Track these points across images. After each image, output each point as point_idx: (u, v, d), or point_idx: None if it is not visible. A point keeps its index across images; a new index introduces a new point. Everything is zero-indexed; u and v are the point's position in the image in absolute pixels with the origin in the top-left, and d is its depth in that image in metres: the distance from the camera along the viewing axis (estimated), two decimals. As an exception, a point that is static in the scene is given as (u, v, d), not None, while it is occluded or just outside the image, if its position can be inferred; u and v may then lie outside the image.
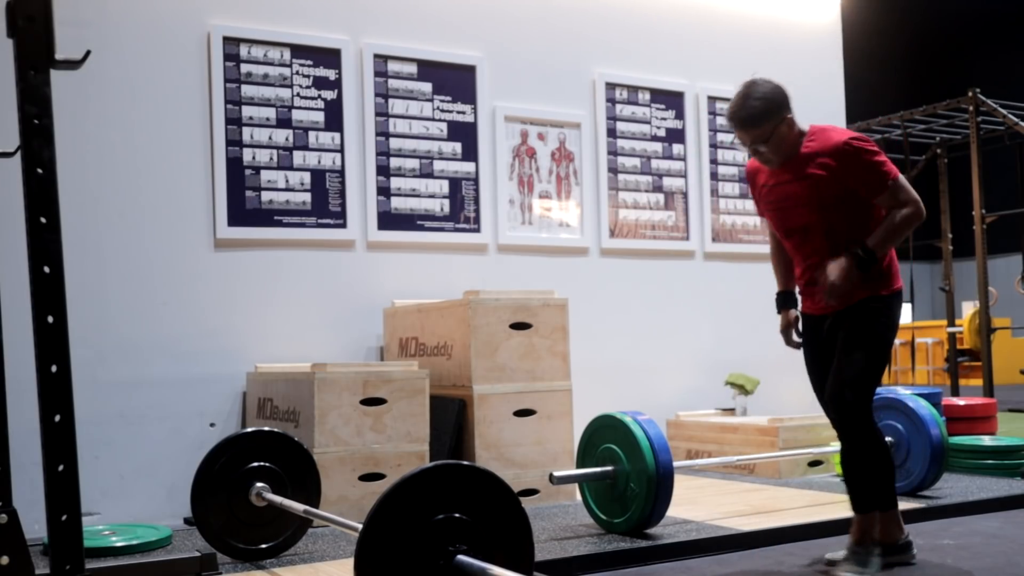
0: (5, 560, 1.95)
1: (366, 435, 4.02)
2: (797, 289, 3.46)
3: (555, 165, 5.47)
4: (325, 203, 4.80)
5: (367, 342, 4.89)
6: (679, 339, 5.76)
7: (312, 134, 4.79)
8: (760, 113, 3.12)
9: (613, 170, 5.65)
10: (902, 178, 3.14)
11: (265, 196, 4.65)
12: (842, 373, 3.17)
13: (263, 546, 3.38)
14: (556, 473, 3.63)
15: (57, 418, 1.70)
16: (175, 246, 4.44)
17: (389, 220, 4.96)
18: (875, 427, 3.18)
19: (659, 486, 3.51)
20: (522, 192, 5.36)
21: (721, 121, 5.97)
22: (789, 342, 3.48)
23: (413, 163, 5.04)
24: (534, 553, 2.24)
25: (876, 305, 3.19)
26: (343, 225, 4.83)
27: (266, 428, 3.49)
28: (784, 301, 3.50)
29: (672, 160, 5.85)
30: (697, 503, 4.26)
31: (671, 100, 5.86)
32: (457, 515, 2.10)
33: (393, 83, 5.01)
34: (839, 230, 3.18)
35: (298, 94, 4.76)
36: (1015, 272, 10.68)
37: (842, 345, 3.21)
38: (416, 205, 5.04)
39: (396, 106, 5.02)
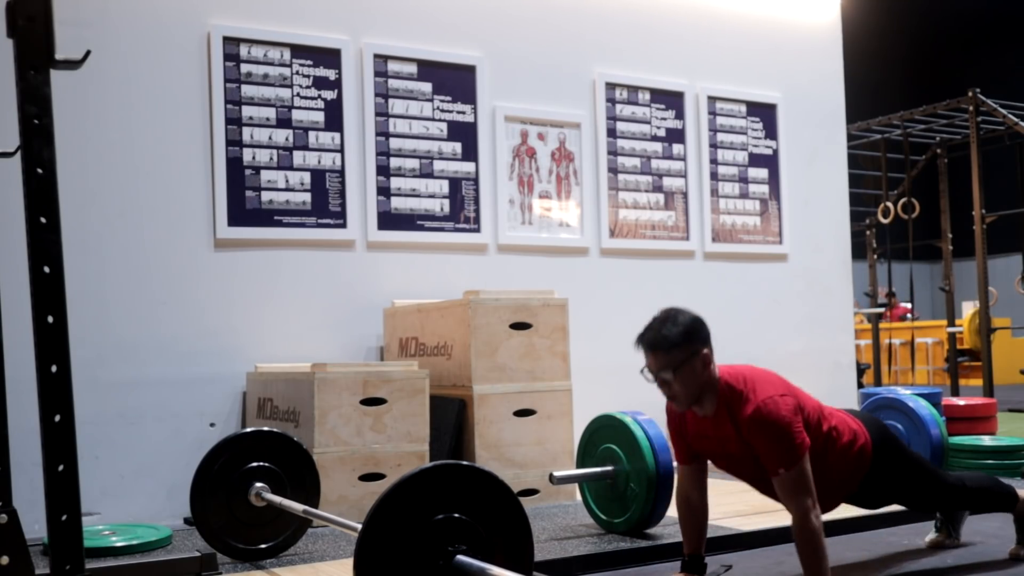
0: (5, 560, 1.95)
1: (366, 435, 4.02)
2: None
3: (555, 165, 5.47)
4: (325, 203, 4.79)
5: (367, 342, 4.89)
6: (679, 339, 5.74)
7: (312, 134, 4.79)
8: (676, 337, 2.77)
9: (613, 170, 5.65)
10: (805, 469, 2.72)
11: (265, 196, 4.65)
12: (923, 502, 3.26)
13: (263, 546, 3.38)
14: (556, 473, 3.63)
15: (57, 418, 1.70)
16: (175, 246, 4.44)
17: (389, 220, 4.96)
18: (959, 487, 3.20)
19: (659, 486, 3.51)
20: (522, 192, 5.36)
21: (721, 121, 5.97)
22: None
23: (413, 163, 5.04)
24: (534, 553, 2.24)
25: (878, 468, 3.02)
26: (343, 225, 4.83)
27: (266, 428, 3.49)
28: (692, 567, 2.99)
29: (672, 160, 5.85)
30: (697, 503, 4.25)
31: (671, 100, 5.85)
32: (457, 515, 2.10)
33: (393, 83, 5.01)
34: None
35: (298, 94, 4.76)
36: (1015, 272, 10.66)
37: (899, 495, 3.16)
38: (416, 205, 5.04)
39: (396, 106, 5.02)
